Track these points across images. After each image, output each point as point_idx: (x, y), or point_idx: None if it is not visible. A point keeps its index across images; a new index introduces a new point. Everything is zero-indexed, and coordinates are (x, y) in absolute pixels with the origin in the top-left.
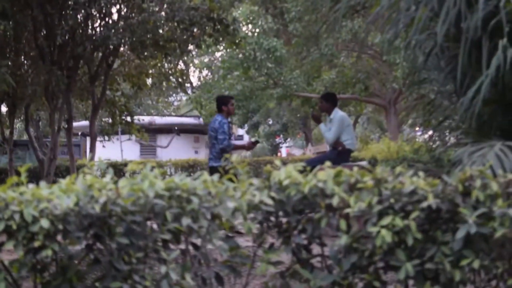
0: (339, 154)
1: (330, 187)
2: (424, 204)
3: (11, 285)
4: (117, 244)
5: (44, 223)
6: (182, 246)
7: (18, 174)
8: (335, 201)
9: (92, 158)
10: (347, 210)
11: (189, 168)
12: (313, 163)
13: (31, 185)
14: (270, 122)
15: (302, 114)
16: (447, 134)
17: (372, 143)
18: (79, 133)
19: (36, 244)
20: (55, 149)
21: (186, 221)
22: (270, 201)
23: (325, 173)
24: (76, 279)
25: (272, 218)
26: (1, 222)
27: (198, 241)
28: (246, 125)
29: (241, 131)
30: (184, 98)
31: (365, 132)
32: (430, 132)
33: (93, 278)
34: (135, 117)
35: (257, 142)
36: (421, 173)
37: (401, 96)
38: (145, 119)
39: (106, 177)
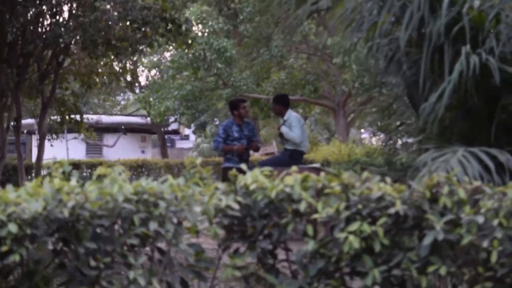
0: (291, 156)
1: (297, 192)
2: (392, 210)
3: None
4: (85, 248)
5: (12, 227)
6: (147, 251)
7: None
8: (302, 207)
9: (40, 157)
10: (315, 216)
11: (138, 168)
12: (265, 165)
13: None
14: (217, 122)
15: (251, 115)
16: (405, 139)
17: (321, 145)
18: (25, 131)
19: (3, 249)
20: (3, 148)
21: (153, 225)
22: (236, 206)
23: (292, 178)
24: (43, 284)
25: (238, 223)
26: None
27: (163, 246)
28: (192, 125)
29: (187, 131)
30: (131, 98)
31: (312, 134)
32: (381, 136)
33: (58, 283)
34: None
35: (249, 146)
36: (388, 179)
37: (350, 98)
38: (92, 117)
39: (72, 180)
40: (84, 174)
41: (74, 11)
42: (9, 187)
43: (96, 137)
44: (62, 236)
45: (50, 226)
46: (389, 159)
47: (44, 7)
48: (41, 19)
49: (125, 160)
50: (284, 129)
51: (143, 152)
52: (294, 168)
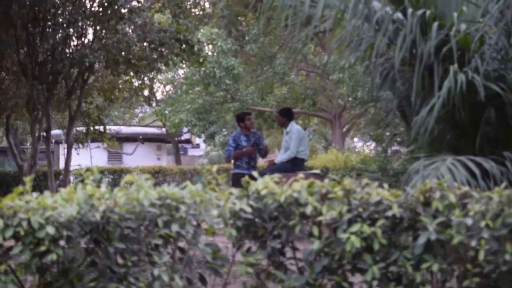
0: (294, 164)
1: (304, 196)
2: (389, 213)
3: (17, 286)
4: (114, 248)
5: (50, 229)
6: (169, 250)
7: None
8: (308, 210)
9: (68, 164)
10: (320, 218)
11: (155, 174)
12: (272, 172)
13: (35, 194)
14: (225, 132)
15: (256, 126)
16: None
17: (319, 153)
18: (53, 141)
19: (42, 248)
20: (35, 156)
21: (175, 227)
22: (249, 209)
23: (299, 184)
24: (77, 280)
25: (250, 224)
26: (10, 228)
27: (184, 245)
28: (203, 135)
29: (198, 140)
30: (148, 110)
31: (311, 143)
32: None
33: (90, 279)
34: None
35: (256, 144)
36: (385, 185)
37: (345, 111)
38: (113, 128)
39: (102, 187)
40: (107, 179)
41: (98, 34)
42: (47, 193)
43: (118, 146)
44: (94, 237)
45: (83, 228)
46: (382, 166)
47: (71, 30)
48: (68, 41)
49: (143, 166)
50: (277, 160)
51: (158, 159)
52: (300, 175)
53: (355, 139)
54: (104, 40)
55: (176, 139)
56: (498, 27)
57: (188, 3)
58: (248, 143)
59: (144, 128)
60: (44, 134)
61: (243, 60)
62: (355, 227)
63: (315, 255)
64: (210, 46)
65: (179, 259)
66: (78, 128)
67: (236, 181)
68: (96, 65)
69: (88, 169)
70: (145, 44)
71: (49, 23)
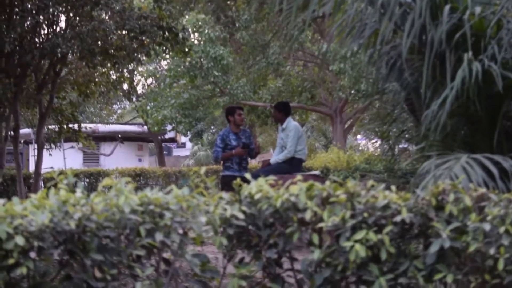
0: (291, 164)
1: (302, 201)
2: (398, 218)
3: None
4: (91, 260)
5: (19, 240)
6: (153, 262)
7: None
8: (307, 215)
9: (39, 167)
10: (320, 225)
11: (136, 177)
12: (266, 173)
13: (1, 201)
14: (214, 130)
15: (248, 122)
16: (403, 145)
17: (318, 152)
18: (22, 141)
19: (11, 261)
20: (2, 158)
21: (159, 236)
22: (241, 215)
23: (297, 187)
24: None
25: (243, 232)
26: None
27: (169, 256)
28: (189, 133)
29: (184, 139)
30: (128, 106)
31: (309, 141)
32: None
33: None
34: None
35: (246, 146)
36: (393, 187)
37: (347, 105)
38: (88, 126)
39: (77, 192)
40: (83, 183)
41: (71, 21)
42: (15, 199)
43: (95, 146)
44: (69, 248)
45: (56, 238)
46: (388, 166)
47: (41, 17)
48: (38, 29)
49: (123, 169)
50: (272, 160)
51: (140, 160)
52: (298, 177)
53: (359, 136)
54: (78, 28)
55: (159, 138)
56: None
57: None
58: (238, 142)
59: (124, 126)
60: (12, 133)
61: (233, 49)
62: (360, 235)
63: (316, 266)
64: (196, 34)
65: (164, 271)
66: (50, 127)
67: (226, 184)
68: (70, 56)
69: (61, 172)
70: (124, 32)
71: (16, 9)
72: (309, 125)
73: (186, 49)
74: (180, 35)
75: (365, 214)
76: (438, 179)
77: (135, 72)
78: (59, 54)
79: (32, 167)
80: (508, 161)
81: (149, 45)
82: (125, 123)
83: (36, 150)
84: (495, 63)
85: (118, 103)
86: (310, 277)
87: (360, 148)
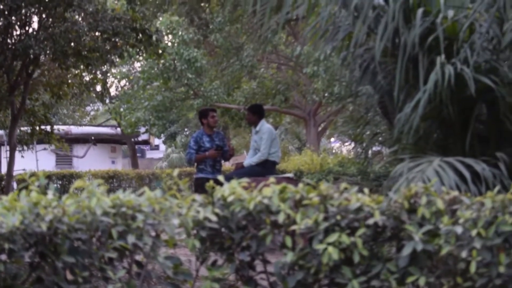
0: (264, 167)
1: (275, 203)
2: (370, 221)
3: None
4: (63, 262)
5: None
6: (125, 264)
7: None
8: (281, 218)
9: (11, 169)
10: (293, 227)
11: (109, 179)
12: (240, 176)
13: None
14: (187, 132)
15: (222, 124)
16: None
17: (292, 154)
18: None
19: None
20: None
21: (131, 238)
22: (214, 218)
23: (270, 189)
24: None
25: (216, 235)
26: None
27: (141, 259)
28: (163, 135)
29: (157, 141)
30: (101, 108)
31: (283, 143)
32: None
33: None
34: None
35: (220, 147)
36: (366, 190)
37: (320, 108)
38: (61, 128)
39: (49, 194)
40: (55, 185)
41: (44, 22)
42: None
43: (68, 148)
44: (40, 250)
45: (27, 240)
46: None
47: (13, 18)
48: (10, 30)
49: (96, 171)
50: (245, 163)
51: (113, 162)
52: (272, 179)
53: (332, 139)
54: (50, 29)
55: (132, 140)
56: (490, 13)
57: None
58: (212, 144)
59: (97, 128)
60: None
61: (206, 51)
62: (333, 237)
63: (289, 269)
64: (170, 36)
65: (136, 274)
66: (22, 128)
67: (199, 186)
68: (42, 57)
69: (33, 174)
70: (97, 33)
71: None
72: (283, 127)
73: (160, 51)
74: (154, 37)
75: (338, 217)
76: (410, 182)
77: (108, 74)
78: (31, 55)
79: (4, 169)
80: (480, 164)
81: (122, 47)
82: (98, 125)
83: (8, 152)
84: (468, 66)
85: (91, 105)
86: (283, 280)
87: (334, 151)
